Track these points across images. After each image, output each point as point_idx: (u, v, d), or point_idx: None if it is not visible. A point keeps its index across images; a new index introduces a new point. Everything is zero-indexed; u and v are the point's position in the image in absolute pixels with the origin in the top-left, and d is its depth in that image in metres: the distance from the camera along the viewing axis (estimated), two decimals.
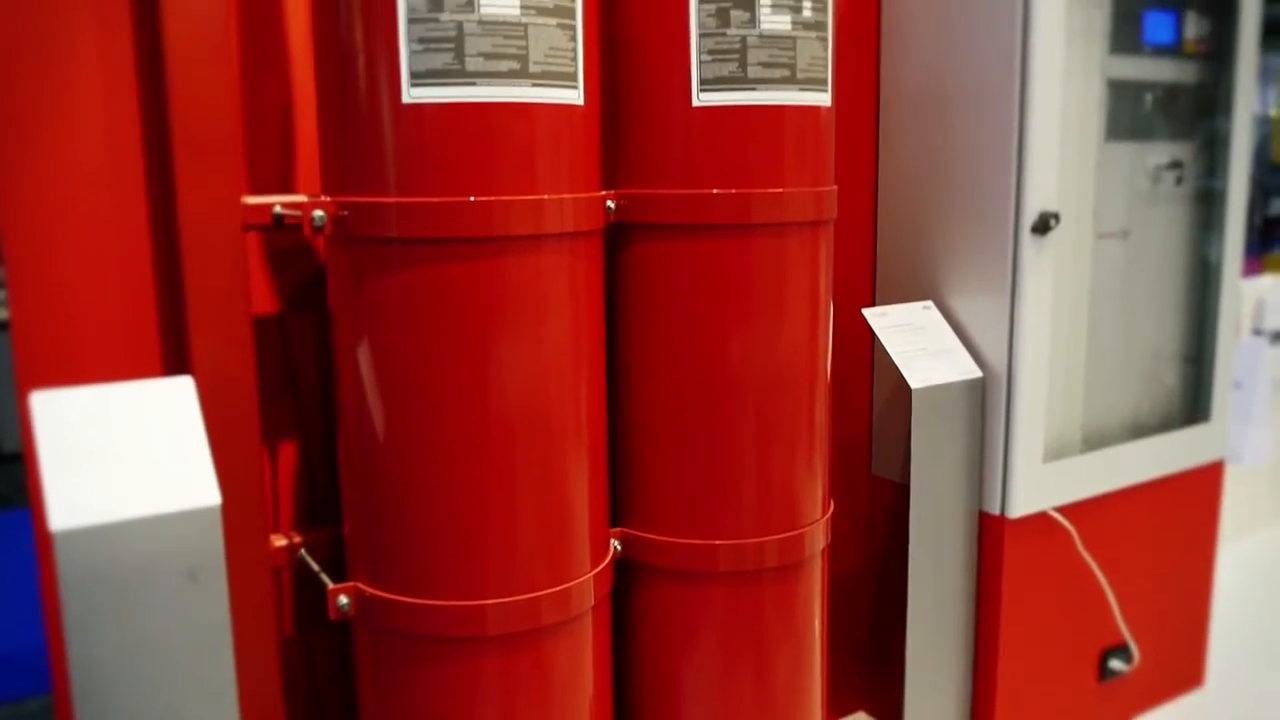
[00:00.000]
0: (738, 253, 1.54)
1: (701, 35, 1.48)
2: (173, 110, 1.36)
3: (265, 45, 1.56)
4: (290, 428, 1.63)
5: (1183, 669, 2.46)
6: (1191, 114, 2.30)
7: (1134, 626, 2.24)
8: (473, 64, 1.28)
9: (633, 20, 1.53)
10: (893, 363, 1.91)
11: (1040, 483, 2.02)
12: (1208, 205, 2.35)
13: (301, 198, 1.44)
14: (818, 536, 1.68)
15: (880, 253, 2.16)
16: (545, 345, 1.40)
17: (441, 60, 1.28)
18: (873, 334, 1.95)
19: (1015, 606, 2.05)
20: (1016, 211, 1.90)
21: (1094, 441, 2.19)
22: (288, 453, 1.63)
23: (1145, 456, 2.22)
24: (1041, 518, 2.04)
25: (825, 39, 1.56)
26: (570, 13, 1.35)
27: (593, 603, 1.50)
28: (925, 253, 2.06)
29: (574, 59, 1.36)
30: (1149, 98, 2.21)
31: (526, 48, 1.31)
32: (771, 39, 1.49)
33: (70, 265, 1.40)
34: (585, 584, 1.48)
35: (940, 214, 2.02)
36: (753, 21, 1.48)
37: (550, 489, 1.43)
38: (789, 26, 1.50)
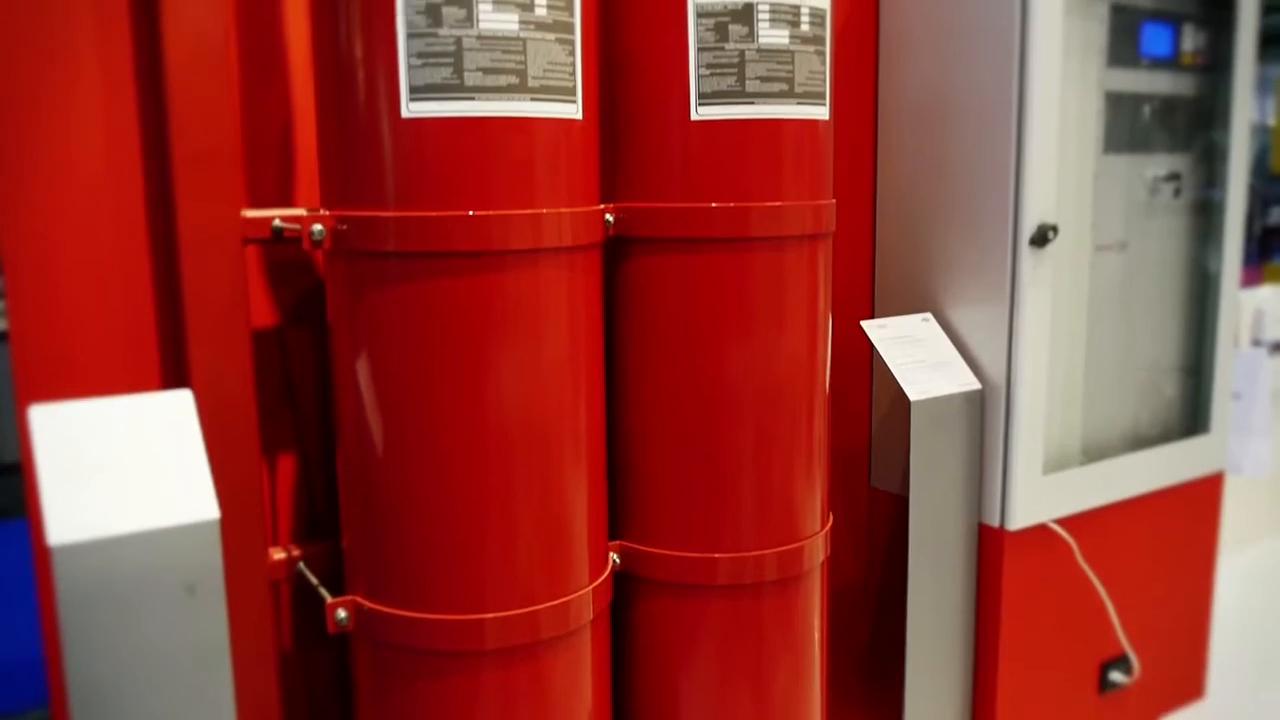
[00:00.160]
0: (736, 266, 1.55)
1: (700, 49, 1.49)
2: (172, 123, 1.37)
3: (265, 59, 1.56)
4: (289, 441, 1.63)
5: (1183, 681, 2.45)
6: (1189, 126, 2.30)
7: (1134, 638, 2.23)
8: (471, 79, 1.29)
9: (631, 34, 1.53)
10: (892, 375, 1.91)
11: (1040, 495, 2.02)
12: (1206, 216, 2.35)
13: (301, 211, 1.44)
14: (817, 549, 1.68)
15: (879, 265, 2.16)
16: (544, 359, 1.40)
17: (440, 75, 1.28)
18: (872, 346, 1.95)
19: (1015, 618, 2.05)
20: (1015, 224, 1.90)
21: (1093, 453, 2.19)
22: (286, 466, 1.63)
23: (1145, 468, 2.22)
24: (1041, 530, 2.04)
25: (823, 53, 1.57)
26: (569, 27, 1.36)
27: (591, 616, 1.50)
28: (924, 265, 2.06)
29: (573, 73, 1.37)
30: (1147, 110, 2.22)
31: (525, 62, 1.31)
32: (770, 53, 1.50)
33: (70, 278, 1.40)
34: (584, 598, 1.48)
35: (939, 226, 2.02)
36: (751, 36, 1.48)
37: (549, 502, 1.43)
38: (787, 41, 1.51)
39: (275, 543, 1.62)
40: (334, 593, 1.50)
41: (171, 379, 1.46)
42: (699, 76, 1.49)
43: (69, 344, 1.41)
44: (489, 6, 1.28)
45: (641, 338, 1.59)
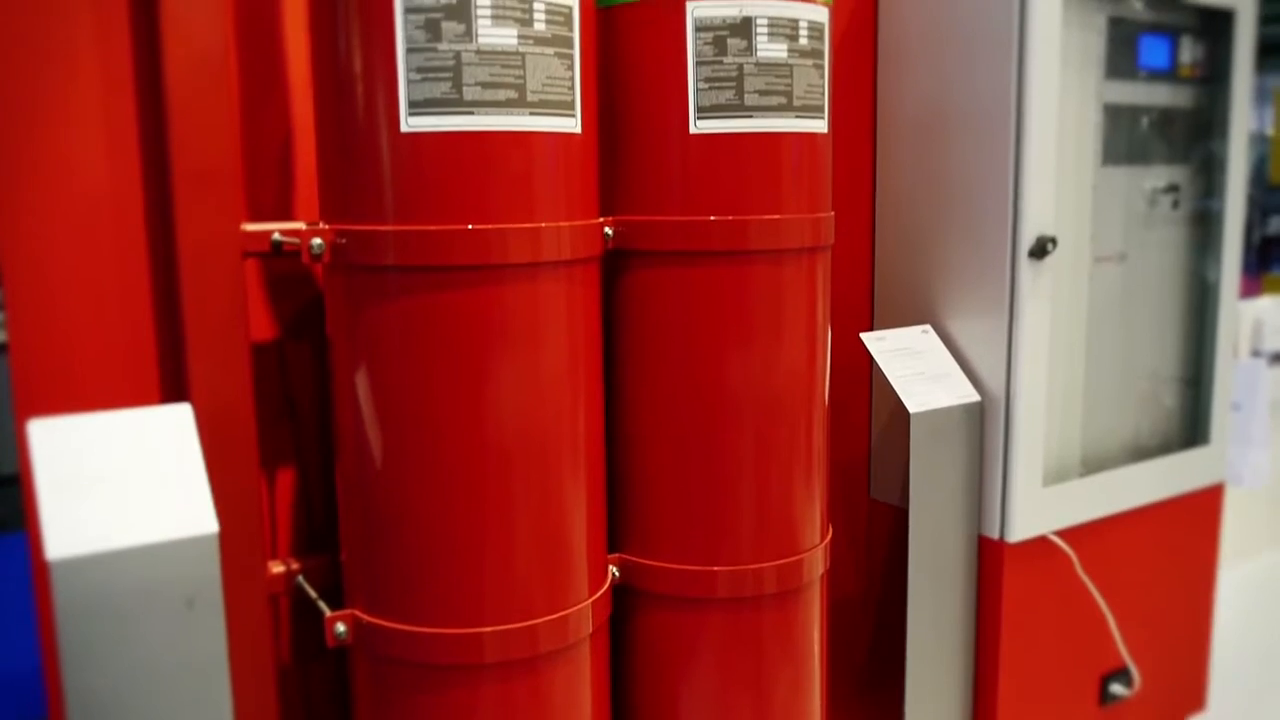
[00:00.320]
0: (735, 279, 1.55)
1: (698, 63, 1.49)
2: (172, 137, 1.37)
3: (265, 73, 1.56)
4: (288, 454, 1.63)
5: (1184, 693, 2.45)
6: (1187, 137, 2.31)
7: (1135, 650, 2.23)
8: (470, 93, 1.29)
9: (630, 49, 1.54)
10: (891, 387, 1.91)
11: (1039, 506, 2.02)
12: (1205, 227, 2.35)
13: (300, 225, 1.45)
14: (816, 562, 1.68)
15: (878, 277, 2.16)
16: (543, 372, 1.40)
17: (439, 89, 1.28)
18: (871, 358, 1.95)
19: (1015, 630, 2.05)
20: (1014, 236, 1.90)
21: (1093, 465, 2.19)
22: (285, 479, 1.63)
23: (1145, 479, 2.22)
24: (1041, 542, 2.04)
25: (822, 66, 1.57)
26: (568, 42, 1.36)
27: (591, 629, 1.50)
28: (923, 277, 2.06)
29: (571, 88, 1.37)
30: (1145, 122, 2.22)
31: (524, 77, 1.31)
32: (768, 67, 1.50)
33: (69, 291, 1.41)
34: (583, 611, 1.48)
35: (938, 239, 2.02)
36: (749, 50, 1.49)
37: (548, 516, 1.43)
38: (785, 54, 1.51)
39: (274, 556, 1.62)
40: (333, 606, 1.50)
41: (171, 392, 1.47)
42: (698, 90, 1.50)
43: (68, 357, 1.41)
44: (488, 21, 1.29)
45: (641, 350, 1.59)
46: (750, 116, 1.51)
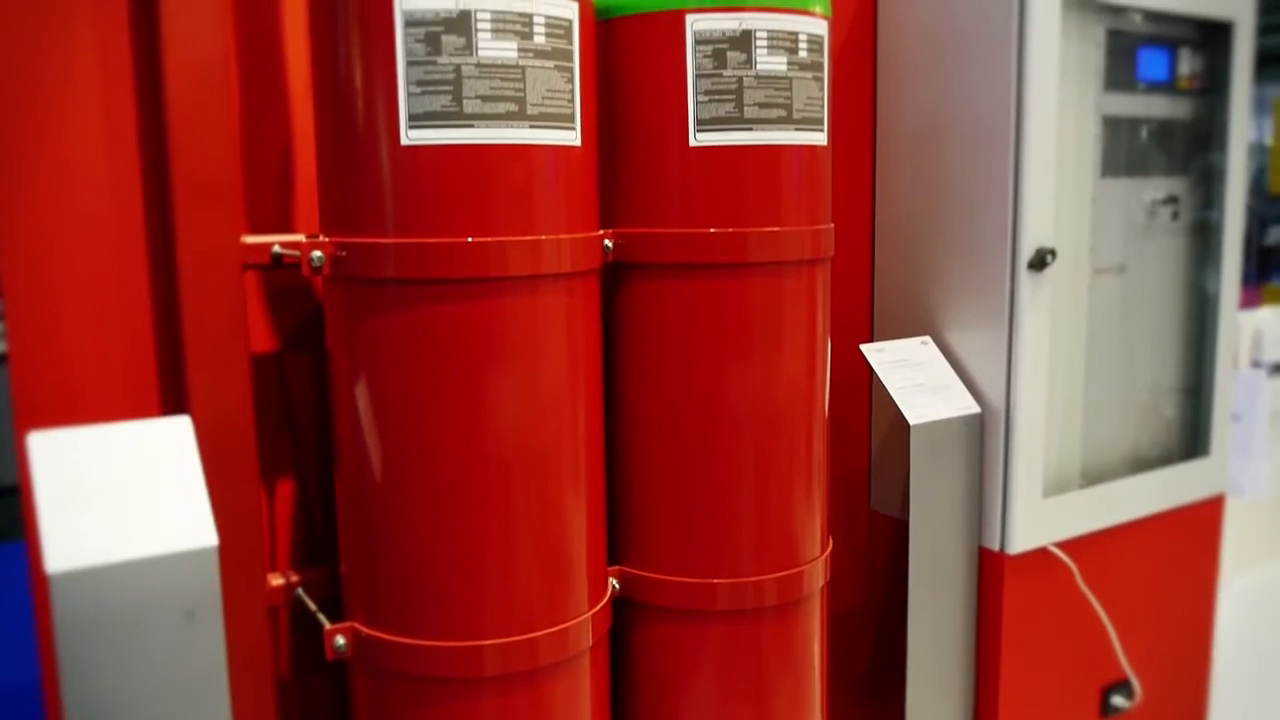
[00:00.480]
0: (735, 291, 1.55)
1: (698, 76, 1.50)
2: (173, 149, 1.37)
3: (265, 85, 1.57)
4: (288, 466, 1.63)
5: (1185, 704, 2.44)
6: (1186, 149, 2.31)
7: (1136, 662, 2.22)
8: (470, 106, 1.29)
9: (630, 62, 1.54)
10: (891, 398, 1.91)
11: (1040, 518, 2.01)
12: (1204, 238, 2.36)
13: (300, 237, 1.45)
14: (817, 574, 1.68)
15: (878, 289, 2.17)
16: (543, 385, 1.40)
17: (440, 102, 1.29)
18: (871, 370, 1.95)
19: (1016, 643, 2.04)
20: (1013, 248, 1.91)
21: (1093, 476, 2.19)
22: (285, 491, 1.63)
23: (1145, 491, 2.22)
24: (1041, 553, 2.04)
25: (821, 79, 1.57)
26: (568, 55, 1.36)
27: (591, 642, 1.50)
28: (923, 289, 2.06)
29: (571, 101, 1.37)
30: (1144, 133, 2.22)
31: (524, 90, 1.32)
32: (768, 79, 1.51)
33: (69, 302, 1.41)
34: (583, 624, 1.47)
35: (937, 250, 2.03)
36: (749, 62, 1.49)
37: (548, 528, 1.43)
38: (785, 67, 1.51)
39: (274, 568, 1.62)
40: (332, 619, 1.49)
41: (170, 404, 1.47)
42: (697, 103, 1.50)
43: (68, 369, 1.41)
44: (488, 35, 1.29)
45: (640, 363, 1.60)
46: (750, 129, 1.51)
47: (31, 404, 1.38)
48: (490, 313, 1.35)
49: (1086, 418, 2.19)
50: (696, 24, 1.49)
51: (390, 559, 1.41)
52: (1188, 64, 2.24)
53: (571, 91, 1.37)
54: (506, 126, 1.31)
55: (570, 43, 1.37)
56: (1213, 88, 2.30)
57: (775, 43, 1.50)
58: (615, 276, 1.59)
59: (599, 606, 1.51)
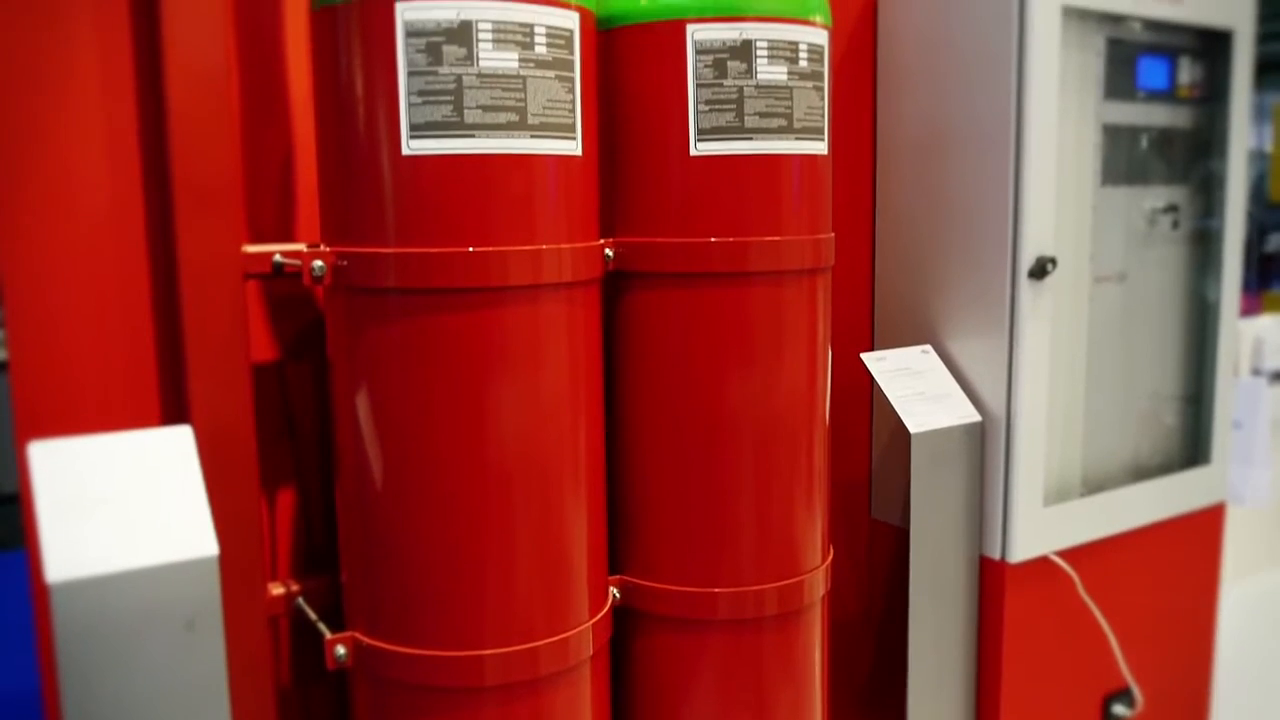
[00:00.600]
0: (736, 300, 1.55)
1: (699, 86, 1.50)
2: (174, 158, 1.38)
3: (266, 95, 1.57)
4: (288, 475, 1.63)
5: (1186, 713, 2.44)
6: (1186, 157, 2.31)
7: (1137, 671, 2.22)
8: (471, 116, 1.30)
9: (631, 71, 1.54)
10: (892, 407, 1.91)
11: (1041, 527, 2.01)
12: (1205, 246, 2.36)
13: (301, 247, 1.45)
14: (818, 583, 1.68)
15: (878, 297, 2.17)
16: (543, 394, 1.40)
17: (441, 112, 1.29)
18: (871, 378, 1.95)
19: (1017, 651, 2.04)
20: (1013, 256, 1.91)
21: (1094, 485, 2.19)
22: (286, 501, 1.63)
23: (1146, 499, 2.22)
24: (1042, 562, 2.04)
25: (821, 88, 1.58)
26: (568, 65, 1.37)
27: (592, 652, 1.49)
28: (923, 297, 2.06)
29: (572, 110, 1.37)
30: (1144, 142, 2.23)
31: (525, 100, 1.32)
32: (768, 89, 1.51)
33: (70, 312, 1.41)
34: (584, 633, 1.47)
35: (938, 259, 2.03)
36: (749, 72, 1.50)
37: (549, 538, 1.43)
38: (785, 77, 1.52)
39: (274, 578, 1.62)
40: (333, 628, 1.49)
41: (171, 414, 1.47)
42: (698, 113, 1.50)
43: (69, 378, 1.41)
44: (489, 45, 1.29)
45: (641, 372, 1.60)
46: (750, 138, 1.51)
47: (32, 413, 1.38)
48: (491, 322, 1.35)
49: (1087, 426, 2.19)
50: (697, 34, 1.49)
51: (391, 568, 1.41)
52: (1187, 72, 2.25)
53: (572, 101, 1.38)
54: (507, 136, 1.32)
55: (571, 53, 1.37)
56: (1212, 96, 2.30)
57: (776, 52, 1.51)
58: (616, 286, 1.60)
59: (600, 616, 1.51)
